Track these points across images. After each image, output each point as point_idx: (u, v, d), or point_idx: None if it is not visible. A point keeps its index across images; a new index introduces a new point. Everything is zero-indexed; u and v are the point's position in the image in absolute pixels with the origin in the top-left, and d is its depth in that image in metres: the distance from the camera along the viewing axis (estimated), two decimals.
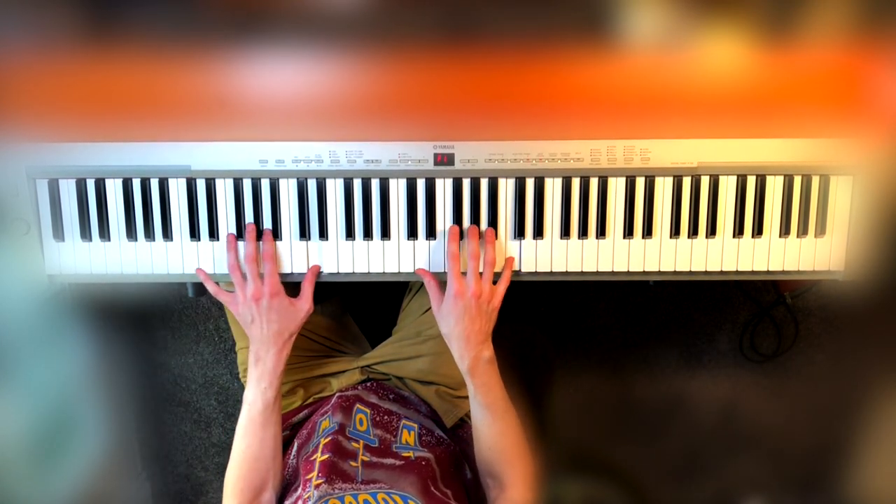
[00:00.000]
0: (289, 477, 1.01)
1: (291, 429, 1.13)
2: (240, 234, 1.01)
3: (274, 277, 0.97)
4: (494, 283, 0.98)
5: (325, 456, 0.94)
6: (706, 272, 1.03)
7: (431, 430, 1.09)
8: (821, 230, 1.01)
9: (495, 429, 0.98)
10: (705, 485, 1.84)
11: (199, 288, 1.05)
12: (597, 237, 1.02)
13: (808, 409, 1.79)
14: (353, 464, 0.95)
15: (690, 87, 0.96)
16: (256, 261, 0.98)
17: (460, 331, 0.95)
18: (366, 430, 1.03)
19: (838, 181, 1.01)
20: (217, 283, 1.01)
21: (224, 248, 1.01)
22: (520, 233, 1.01)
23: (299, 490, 0.92)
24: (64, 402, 1.40)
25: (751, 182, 1.01)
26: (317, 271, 1.01)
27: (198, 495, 1.94)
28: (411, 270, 1.03)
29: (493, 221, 1.01)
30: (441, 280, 1.00)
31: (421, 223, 1.01)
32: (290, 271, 1.02)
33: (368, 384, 1.17)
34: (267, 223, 1.01)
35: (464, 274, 0.97)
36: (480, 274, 0.97)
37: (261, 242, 1.00)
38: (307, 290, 0.99)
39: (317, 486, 0.89)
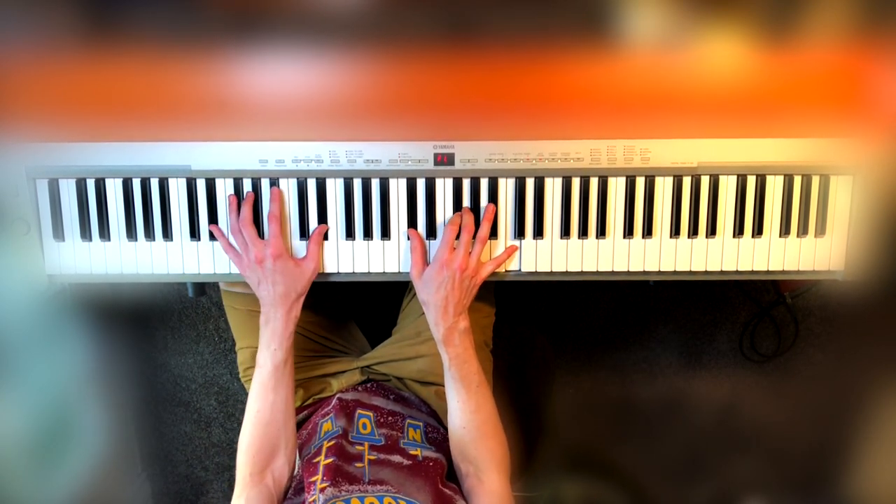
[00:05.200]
0: (296, 476, 1.01)
1: None
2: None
3: (277, 239, 0.97)
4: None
5: (329, 460, 0.94)
6: (706, 272, 1.03)
7: (437, 428, 1.09)
8: (821, 230, 1.01)
9: (469, 405, 0.98)
10: (705, 485, 1.84)
11: (199, 288, 1.05)
12: (597, 237, 1.02)
13: (808, 409, 1.79)
14: (358, 465, 0.95)
15: (690, 86, 0.96)
16: (252, 224, 0.98)
17: (439, 299, 0.96)
18: (370, 433, 1.03)
19: (838, 181, 1.01)
20: (228, 239, 1.00)
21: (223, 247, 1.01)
22: (520, 233, 1.01)
23: (303, 493, 0.92)
24: (64, 402, 1.40)
25: (751, 182, 1.01)
26: (323, 231, 1.01)
27: (198, 495, 1.94)
28: None
29: (493, 221, 1.01)
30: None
31: (421, 223, 1.01)
32: None
33: (369, 385, 1.17)
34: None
35: None
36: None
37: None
38: (313, 250, 1.00)
39: (322, 490, 0.89)
